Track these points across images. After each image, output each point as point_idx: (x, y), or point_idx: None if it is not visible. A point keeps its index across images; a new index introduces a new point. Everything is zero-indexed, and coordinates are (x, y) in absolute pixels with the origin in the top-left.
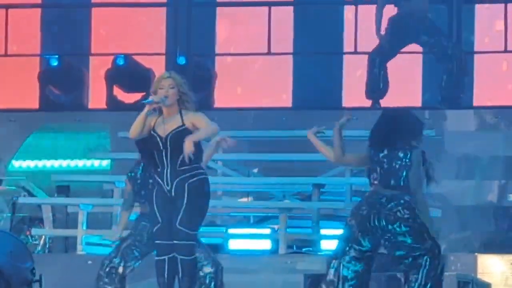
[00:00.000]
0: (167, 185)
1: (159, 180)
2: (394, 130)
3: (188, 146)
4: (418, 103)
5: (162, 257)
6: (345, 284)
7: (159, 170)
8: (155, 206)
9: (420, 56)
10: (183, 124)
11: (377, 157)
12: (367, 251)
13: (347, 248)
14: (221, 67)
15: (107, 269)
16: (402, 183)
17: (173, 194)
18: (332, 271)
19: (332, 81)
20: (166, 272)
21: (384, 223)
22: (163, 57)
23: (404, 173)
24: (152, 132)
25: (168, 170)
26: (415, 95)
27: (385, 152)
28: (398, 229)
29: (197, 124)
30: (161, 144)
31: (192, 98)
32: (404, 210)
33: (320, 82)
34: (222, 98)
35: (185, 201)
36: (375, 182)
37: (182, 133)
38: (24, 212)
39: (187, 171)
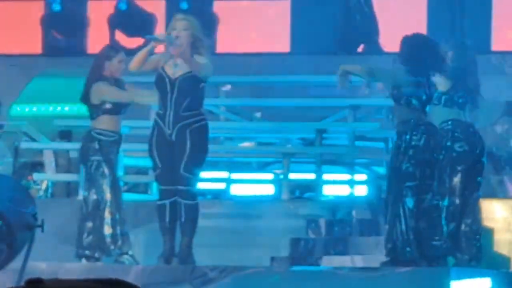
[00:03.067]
0: (168, 128)
1: (160, 122)
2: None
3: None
4: None
5: (164, 202)
6: None
7: (161, 112)
8: (154, 151)
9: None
10: (193, 70)
11: None
12: None
13: None
14: (234, 11)
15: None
16: None
17: (173, 138)
18: None
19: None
20: (167, 217)
21: None
22: (163, 1)
23: None
24: (161, 71)
25: (171, 113)
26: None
27: None
28: None
29: (199, 69)
30: (169, 86)
31: (206, 43)
32: None
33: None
34: (230, 42)
35: (188, 147)
36: None
37: (191, 78)
38: (26, 157)
39: (190, 117)
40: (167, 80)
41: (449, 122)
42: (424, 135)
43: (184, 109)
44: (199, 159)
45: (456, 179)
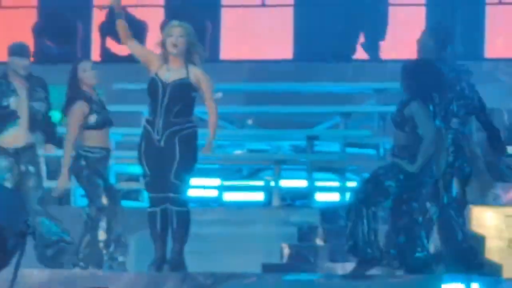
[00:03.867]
0: (157, 134)
1: (149, 128)
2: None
3: (207, 149)
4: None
5: (154, 209)
6: None
7: (150, 118)
8: (143, 158)
9: (423, 8)
10: (188, 77)
11: None
12: None
13: None
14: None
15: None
16: None
17: (162, 144)
18: None
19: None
20: (158, 224)
21: None
22: (161, 9)
23: None
24: (155, 76)
25: (161, 120)
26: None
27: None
28: None
29: (202, 86)
30: (161, 91)
31: (200, 49)
32: None
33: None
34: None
35: (177, 154)
36: None
37: (185, 85)
38: None
39: (179, 124)
40: (160, 84)
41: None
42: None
43: (175, 115)
44: (188, 166)
45: (446, 191)
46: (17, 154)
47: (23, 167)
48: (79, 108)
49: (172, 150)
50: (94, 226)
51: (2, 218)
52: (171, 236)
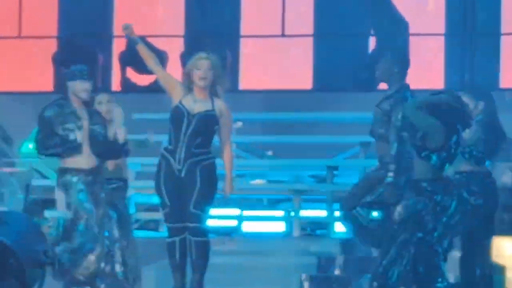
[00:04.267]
0: (178, 164)
1: (169, 157)
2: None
3: (228, 189)
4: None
5: (173, 239)
6: None
7: (170, 147)
8: (163, 187)
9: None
10: (214, 109)
11: None
12: None
13: None
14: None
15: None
16: None
17: (182, 174)
18: None
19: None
20: (177, 254)
21: None
22: (181, 39)
23: None
24: (179, 104)
25: (183, 149)
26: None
27: None
28: None
29: (222, 120)
30: (186, 120)
31: (225, 82)
32: None
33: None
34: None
35: (198, 185)
36: None
37: (210, 117)
38: (37, 194)
39: (200, 154)
40: (185, 114)
41: (464, 174)
42: (440, 194)
43: (196, 146)
44: (209, 196)
45: (468, 229)
46: (86, 176)
47: (93, 190)
48: None
49: (193, 180)
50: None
51: (20, 247)
52: (191, 266)
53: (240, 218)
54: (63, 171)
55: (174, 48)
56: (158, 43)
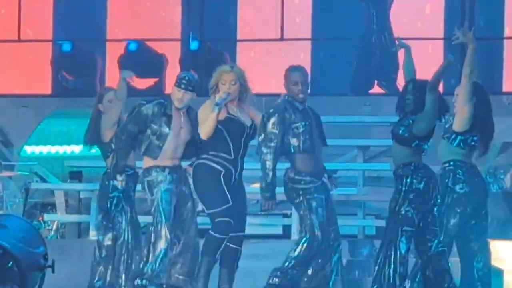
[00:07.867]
0: (236, 173)
1: (230, 167)
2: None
3: None
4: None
5: (223, 237)
6: None
7: (230, 157)
8: (224, 188)
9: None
10: (253, 121)
11: None
12: None
13: None
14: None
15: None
16: None
17: (236, 184)
18: None
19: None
20: (218, 252)
21: None
22: (178, 42)
23: None
24: (231, 116)
25: (238, 159)
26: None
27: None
28: None
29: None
30: (244, 132)
31: (249, 92)
32: None
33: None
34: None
35: (244, 197)
36: None
37: (255, 129)
38: (37, 197)
39: (242, 166)
40: (243, 125)
41: (451, 163)
42: (424, 179)
43: (241, 157)
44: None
45: (455, 221)
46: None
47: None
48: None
49: (243, 192)
50: (107, 260)
51: (20, 251)
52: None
53: None
54: (148, 170)
55: (173, 50)
56: (156, 47)
